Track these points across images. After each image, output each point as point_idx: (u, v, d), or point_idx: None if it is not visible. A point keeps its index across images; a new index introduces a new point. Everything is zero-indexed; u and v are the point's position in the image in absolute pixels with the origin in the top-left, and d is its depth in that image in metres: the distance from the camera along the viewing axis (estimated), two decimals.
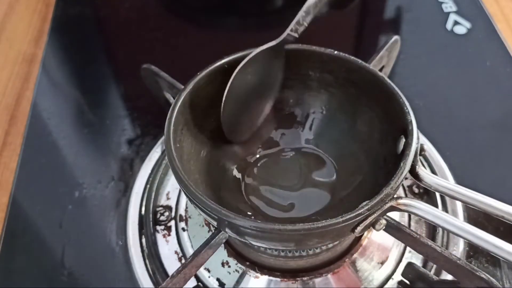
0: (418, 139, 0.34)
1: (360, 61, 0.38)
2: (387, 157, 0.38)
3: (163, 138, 0.53)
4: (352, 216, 0.29)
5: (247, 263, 0.42)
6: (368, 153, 0.41)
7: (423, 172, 0.34)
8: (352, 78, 0.38)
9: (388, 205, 0.31)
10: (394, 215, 0.37)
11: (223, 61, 0.39)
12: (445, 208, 0.48)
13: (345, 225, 0.29)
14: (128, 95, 0.59)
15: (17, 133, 0.56)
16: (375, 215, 0.31)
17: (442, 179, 0.34)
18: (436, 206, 0.48)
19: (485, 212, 0.32)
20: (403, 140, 0.34)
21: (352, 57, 0.39)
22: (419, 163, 0.34)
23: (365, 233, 0.42)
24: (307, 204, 0.42)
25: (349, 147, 0.42)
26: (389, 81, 0.37)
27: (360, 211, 0.30)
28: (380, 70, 0.40)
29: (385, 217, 0.33)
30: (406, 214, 0.47)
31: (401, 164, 0.32)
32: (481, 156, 0.52)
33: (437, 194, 0.49)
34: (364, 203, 0.31)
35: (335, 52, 0.39)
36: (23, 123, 0.56)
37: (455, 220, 0.31)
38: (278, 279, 0.41)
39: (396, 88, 0.36)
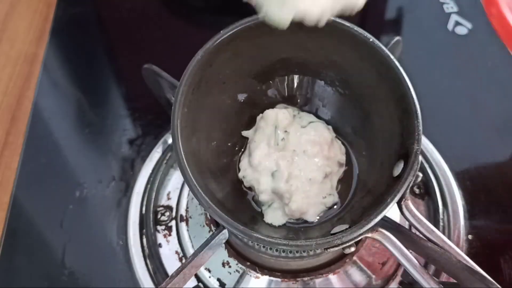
0: (417, 170, 0.33)
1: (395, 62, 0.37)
2: (384, 162, 0.38)
3: (162, 139, 0.53)
4: (323, 243, 0.31)
5: (248, 263, 0.42)
6: (370, 153, 0.41)
7: (406, 208, 0.35)
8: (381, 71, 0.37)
9: (362, 236, 0.32)
10: (394, 217, 0.37)
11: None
12: (445, 208, 0.48)
13: (317, 246, 0.32)
14: (129, 95, 0.59)
15: (18, 133, 0.56)
16: (347, 244, 0.32)
17: (420, 219, 0.35)
18: (437, 206, 0.48)
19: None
20: (402, 165, 0.34)
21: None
22: (408, 196, 0.35)
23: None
24: None
25: (358, 142, 0.43)
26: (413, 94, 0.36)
27: (329, 240, 0.31)
28: None
29: (384, 218, 0.33)
30: None
31: (388, 200, 0.32)
32: (482, 156, 0.52)
33: (438, 195, 0.49)
34: (339, 230, 0.32)
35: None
36: (24, 123, 0.56)
37: (415, 263, 0.32)
38: (279, 279, 0.41)
39: (417, 107, 0.35)
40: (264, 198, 0.40)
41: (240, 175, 0.42)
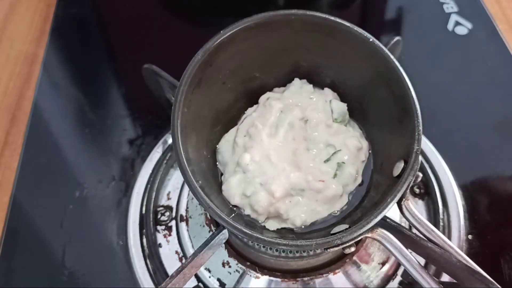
0: (417, 170, 0.33)
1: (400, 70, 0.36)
2: (384, 162, 0.38)
3: (162, 139, 0.53)
4: (323, 243, 0.31)
5: (248, 263, 0.42)
6: (370, 153, 0.41)
7: (406, 208, 0.35)
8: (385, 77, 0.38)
9: (362, 236, 0.32)
10: (394, 217, 0.37)
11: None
12: (445, 208, 0.48)
13: (317, 246, 0.31)
14: (129, 95, 0.59)
15: (18, 133, 0.56)
16: (347, 244, 0.32)
17: (420, 219, 0.35)
18: (437, 206, 0.48)
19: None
20: (402, 165, 0.34)
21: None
22: (408, 196, 0.35)
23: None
24: None
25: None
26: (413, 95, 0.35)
27: (329, 240, 0.31)
28: None
29: (384, 218, 0.33)
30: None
31: (388, 200, 0.32)
32: (482, 156, 0.52)
33: (438, 195, 0.49)
34: (339, 230, 0.32)
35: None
36: (24, 123, 0.56)
37: (415, 262, 0.32)
38: (279, 279, 0.41)
39: (417, 107, 0.35)
40: (258, 217, 0.38)
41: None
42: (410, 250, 0.33)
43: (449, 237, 0.46)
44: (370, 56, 0.37)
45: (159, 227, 0.48)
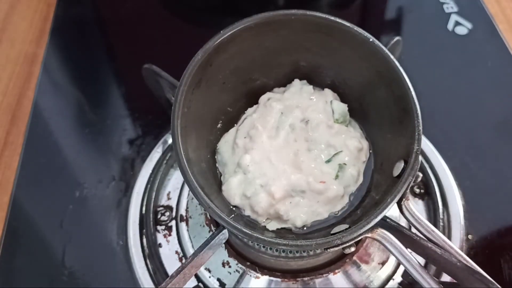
0: (417, 170, 0.33)
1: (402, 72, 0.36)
2: (384, 162, 0.38)
3: (162, 139, 0.53)
4: (323, 243, 0.31)
5: (248, 263, 0.42)
6: (370, 153, 0.41)
7: (406, 208, 0.35)
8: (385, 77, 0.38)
9: (362, 236, 0.32)
10: (394, 217, 0.37)
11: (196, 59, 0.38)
12: (445, 208, 0.48)
13: (317, 246, 0.32)
14: (129, 95, 0.59)
15: (18, 133, 0.56)
16: (347, 244, 0.32)
17: (420, 219, 0.35)
18: (437, 206, 0.48)
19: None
20: (402, 165, 0.34)
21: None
22: (408, 196, 0.35)
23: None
24: None
25: None
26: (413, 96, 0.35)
27: (329, 240, 0.31)
28: None
29: (384, 218, 0.33)
30: None
31: (388, 200, 0.32)
32: (482, 156, 0.52)
33: (438, 195, 0.49)
34: (339, 230, 0.32)
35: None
36: (24, 123, 0.56)
37: (415, 262, 0.32)
38: (279, 279, 0.41)
39: (417, 107, 0.35)
40: (257, 218, 0.38)
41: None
42: (410, 250, 0.33)
43: (449, 237, 0.46)
44: (370, 56, 0.37)
45: (159, 227, 0.48)
